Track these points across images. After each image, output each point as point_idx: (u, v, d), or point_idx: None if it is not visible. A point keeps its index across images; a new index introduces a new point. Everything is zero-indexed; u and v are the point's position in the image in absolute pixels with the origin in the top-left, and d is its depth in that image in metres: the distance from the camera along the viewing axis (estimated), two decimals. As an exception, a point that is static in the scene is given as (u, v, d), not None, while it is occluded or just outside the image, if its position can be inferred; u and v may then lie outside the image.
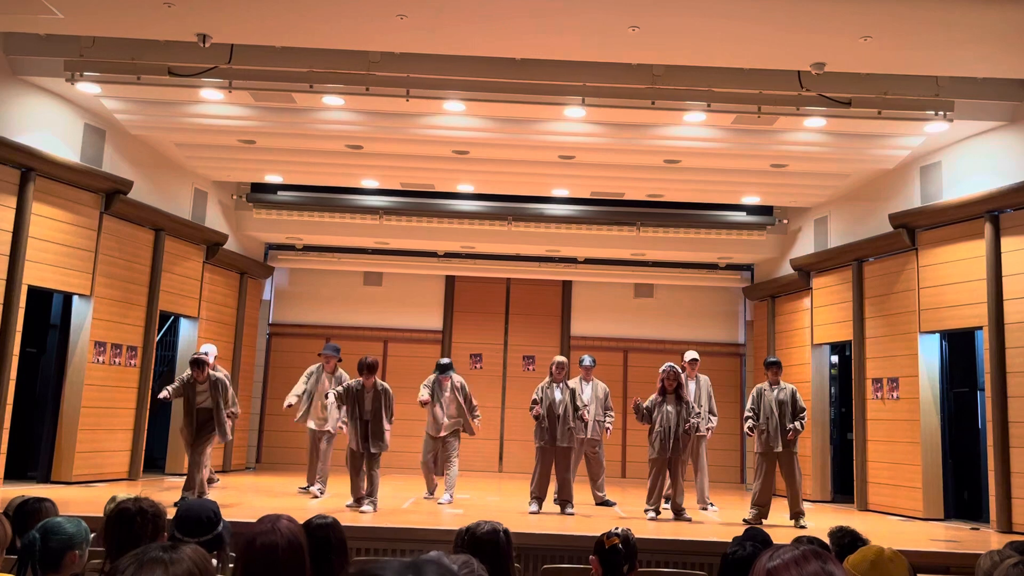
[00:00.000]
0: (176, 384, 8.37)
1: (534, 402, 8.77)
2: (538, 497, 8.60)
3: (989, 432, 8.76)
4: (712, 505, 9.62)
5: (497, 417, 14.22)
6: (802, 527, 7.90)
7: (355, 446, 8.26)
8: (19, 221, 8.64)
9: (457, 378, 9.62)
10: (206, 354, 8.59)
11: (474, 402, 9.69)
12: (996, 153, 9.00)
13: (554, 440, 8.61)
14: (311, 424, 9.87)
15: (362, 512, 7.84)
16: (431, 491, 9.62)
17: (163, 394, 8.33)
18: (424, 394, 9.46)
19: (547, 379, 8.88)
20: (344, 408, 8.53)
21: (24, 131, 8.74)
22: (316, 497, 9.31)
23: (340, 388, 8.50)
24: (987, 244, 8.93)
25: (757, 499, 8.39)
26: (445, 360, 9.88)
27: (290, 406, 9.87)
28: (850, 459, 11.04)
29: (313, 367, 10.09)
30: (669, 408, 8.44)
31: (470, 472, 13.38)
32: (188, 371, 8.30)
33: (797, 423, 8.38)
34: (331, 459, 9.87)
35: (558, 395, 8.72)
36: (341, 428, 9.33)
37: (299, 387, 9.90)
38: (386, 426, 8.25)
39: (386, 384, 8.40)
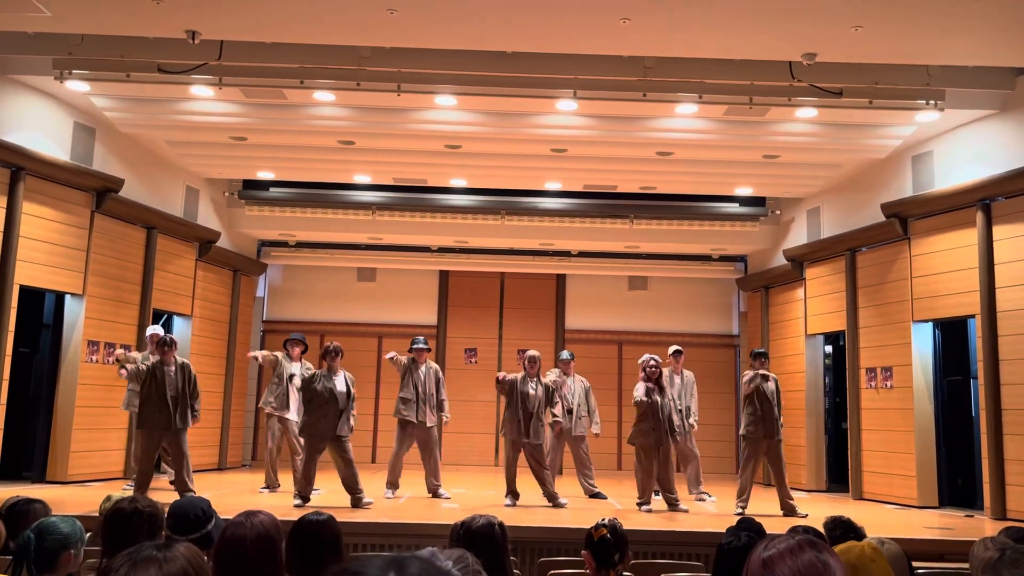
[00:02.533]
0: (137, 369, 8.28)
1: (501, 379, 8.61)
2: (512, 491, 8.56)
3: (982, 420, 8.81)
4: (709, 496, 9.64)
5: (492, 412, 14.22)
6: (803, 516, 7.91)
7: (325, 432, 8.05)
8: (10, 220, 8.61)
9: (433, 364, 9.34)
10: (169, 335, 8.56)
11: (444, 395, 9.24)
12: (987, 142, 9.02)
13: (525, 435, 8.51)
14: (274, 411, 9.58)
15: (366, 507, 7.84)
16: (394, 487, 9.01)
17: (122, 371, 8.41)
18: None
19: (520, 373, 8.75)
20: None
21: (13, 130, 8.70)
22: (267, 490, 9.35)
23: (306, 374, 8.43)
24: (979, 232, 8.96)
25: (743, 486, 8.39)
26: (420, 337, 9.47)
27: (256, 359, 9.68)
28: (844, 448, 11.08)
29: (277, 353, 9.71)
30: (656, 397, 8.43)
31: (465, 467, 13.41)
32: (152, 357, 8.39)
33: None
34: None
35: (531, 390, 8.61)
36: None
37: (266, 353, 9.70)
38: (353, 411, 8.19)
39: (349, 375, 8.33)
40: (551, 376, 9.70)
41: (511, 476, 8.57)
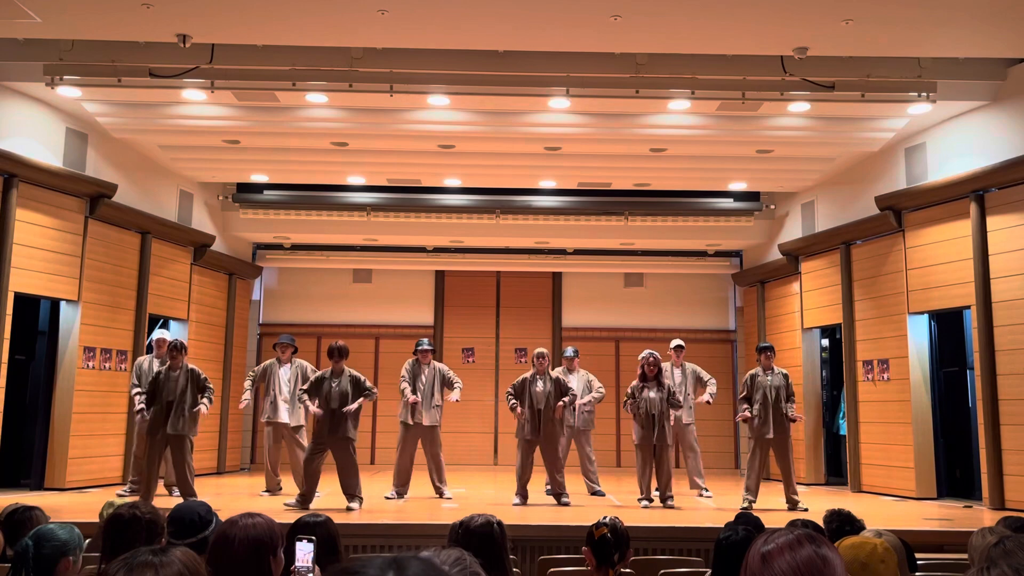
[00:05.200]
0: (145, 391, 8.32)
1: (509, 394, 8.67)
2: (522, 492, 8.55)
3: (979, 410, 8.82)
4: (706, 491, 9.64)
5: (491, 411, 14.22)
6: (804, 510, 7.93)
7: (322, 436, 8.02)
8: (3, 228, 8.58)
9: (438, 364, 9.27)
10: (178, 340, 8.51)
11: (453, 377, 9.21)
12: (980, 133, 9.04)
13: (537, 432, 8.55)
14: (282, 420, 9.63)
15: (349, 510, 7.77)
16: (403, 491, 8.96)
17: (139, 411, 8.44)
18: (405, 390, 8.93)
19: (530, 371, 8.79)
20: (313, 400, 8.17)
21: (5, 137, 8.67)
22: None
23: (305, 386, 8.32)
24: (973, 224, 8.97)
25: (748, 484, 8.42)
26: (425, 339, 9.47)
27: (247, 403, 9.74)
28: (843, 441, 11.09)
29: (266, 363, 9.83)
30: (651, 394, 8.45)
31: (465, 466, 13.40)
32: (159, 364, 8.39)
33: (790, 409, 8.41)
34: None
35: (540, 386, 8.63)
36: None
37: (247, 384, 9.74)
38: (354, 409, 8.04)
39: (355, 372, 8.26)
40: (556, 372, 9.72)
41: (523, 477, 8.55)
